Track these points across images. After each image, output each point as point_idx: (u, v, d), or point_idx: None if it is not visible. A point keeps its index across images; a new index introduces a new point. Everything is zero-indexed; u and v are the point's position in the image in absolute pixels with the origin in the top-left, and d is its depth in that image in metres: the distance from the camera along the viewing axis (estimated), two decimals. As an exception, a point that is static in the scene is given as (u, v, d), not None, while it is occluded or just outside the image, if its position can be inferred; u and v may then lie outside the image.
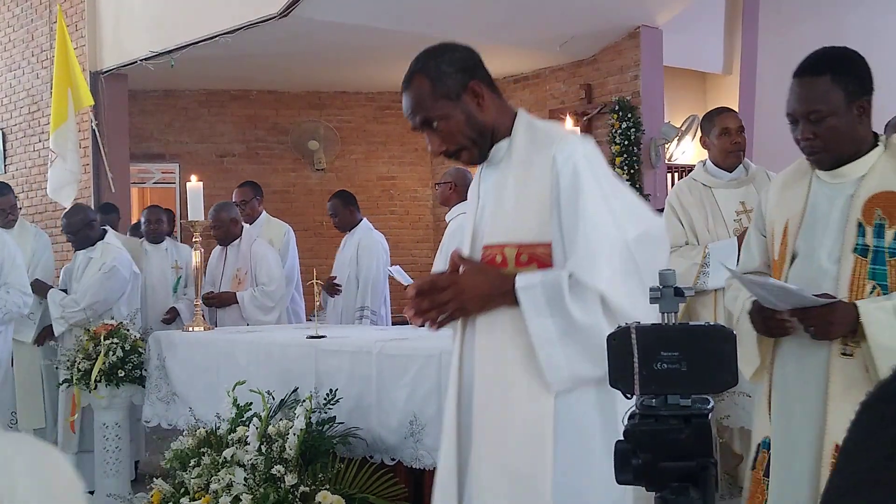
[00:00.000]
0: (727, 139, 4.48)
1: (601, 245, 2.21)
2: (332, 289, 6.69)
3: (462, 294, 2.30)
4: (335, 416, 3.83)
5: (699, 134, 4.90)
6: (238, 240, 6.24)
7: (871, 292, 2.48)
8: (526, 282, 2.24)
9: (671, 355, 0.98)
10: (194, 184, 5.38)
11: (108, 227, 6.32)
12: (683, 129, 9.91)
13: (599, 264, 2.19)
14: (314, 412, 3.77)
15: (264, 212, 6.98)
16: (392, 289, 6.89)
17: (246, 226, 6.40)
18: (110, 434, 5.36)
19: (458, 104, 2.33)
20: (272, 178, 10.33)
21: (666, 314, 1.14)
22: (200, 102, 10.60)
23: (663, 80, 9.00)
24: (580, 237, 2.22)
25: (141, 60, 8.52)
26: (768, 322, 2.62)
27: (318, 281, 5.03)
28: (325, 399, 3.87)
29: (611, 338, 1.07)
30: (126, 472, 5.43)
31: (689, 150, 10.18)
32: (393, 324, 6.60)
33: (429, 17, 8.03)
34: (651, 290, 1.17)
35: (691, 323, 1.04)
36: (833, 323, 2.45)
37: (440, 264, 6.18)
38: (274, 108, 10.81)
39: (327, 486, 3.54)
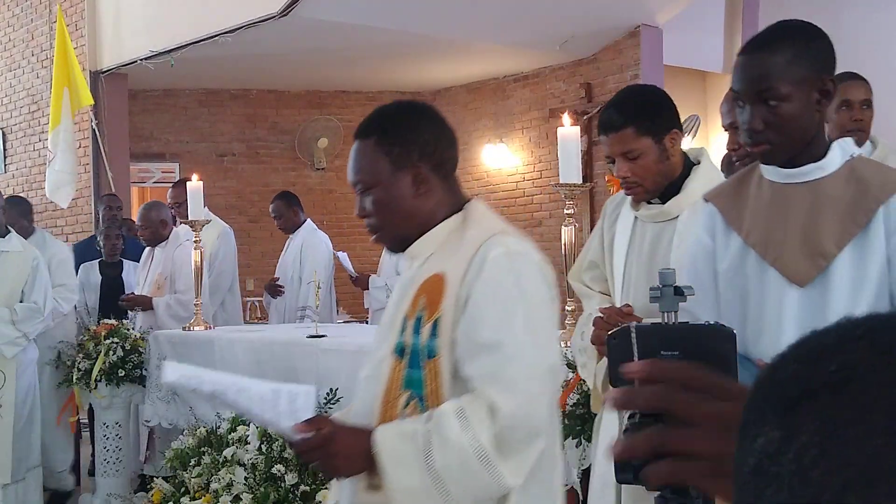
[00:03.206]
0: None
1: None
2: (275, 290, 6.68)
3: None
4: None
5: (700, 132, 4.78)
6: (165, 242, 6.02)
7: (405, 406, 1.96)
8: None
9: (671, 355, 0.98)
10: (194, 183, 5.38)
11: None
12: (684, 127, 9.91)
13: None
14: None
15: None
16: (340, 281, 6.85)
17: (175, 229, 6.13)
18: (111, 434, 5.36)
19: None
20: (272, 178, 10.33)
21: (666, 313, 1.14)
22: (200, 102, 10.59)
23: (663, 79, 8.99)
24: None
25: (141, 60, 8.51)
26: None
27: (316, 281, 5.03)
28: (325, 398, 3.87)
29: (611, 337, 1.07)
30: (127, 471, 5.43)
31: (689, 150, 10.17)
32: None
33: (429, 17, 8.03)
34: (651, 289, 1.17)
35: (692, 322, 1.04)
36: (336, 455, 1.87)
37: (390, 265, 6.23)
38: (274, 108, 10.80)
39: (327, 486, 3.54)
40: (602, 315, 2.70)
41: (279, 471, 3.56)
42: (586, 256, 3.04)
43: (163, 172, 10.61)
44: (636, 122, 2.67)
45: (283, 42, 8.31)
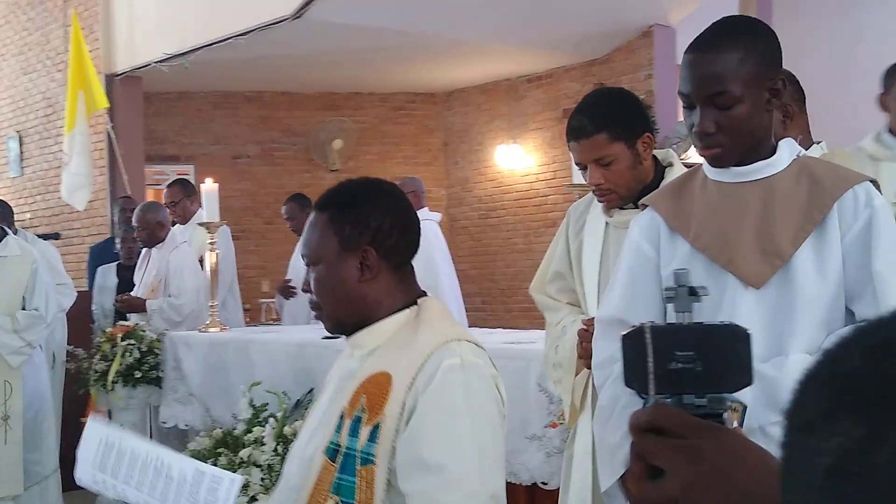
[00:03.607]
0: None
1: None
2: (287, 292, 6.68)
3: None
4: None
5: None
6: (161, 244, 5.94)
7: None
8: None
9: (686, 355, 0.98)
10: (209, 185, 5.40)
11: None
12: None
13: None
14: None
15: (200, 212, 6.65)
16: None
17: (172, 230, 6.11)
18: (127, 435, 5.39)
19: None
20: (287, 180, 10.35)
21: (680, 314, 1.15)
22: (214, 104, 10.63)
23: (676, 79, 8.98)
24: None
25: (155, 63, 8.55)
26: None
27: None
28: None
29: (625, 338, 1.07)
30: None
31: (703, 149, 10.15)
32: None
33: (441, 18, 8.04)
34: (665, 289, 1.17)
35: (706, 322, 1.04)
36: None
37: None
38: (287, 110, 10.83)
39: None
40: (586, 327, 2.60)
41: (295, 472, 3.58)
42: (549, 267, 2.93)
43: (178, 175, 10.64)
44: (608, 128, 2.60)
45: (296, 44, 8.33)
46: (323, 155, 10.84)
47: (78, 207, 8.31)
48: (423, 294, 2.03)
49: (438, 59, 9.45)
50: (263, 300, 8.71)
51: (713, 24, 2.08)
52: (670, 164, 2.74)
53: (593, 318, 2.60)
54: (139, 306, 5.78)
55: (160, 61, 8.49)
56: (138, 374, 5.26)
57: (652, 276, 2.10)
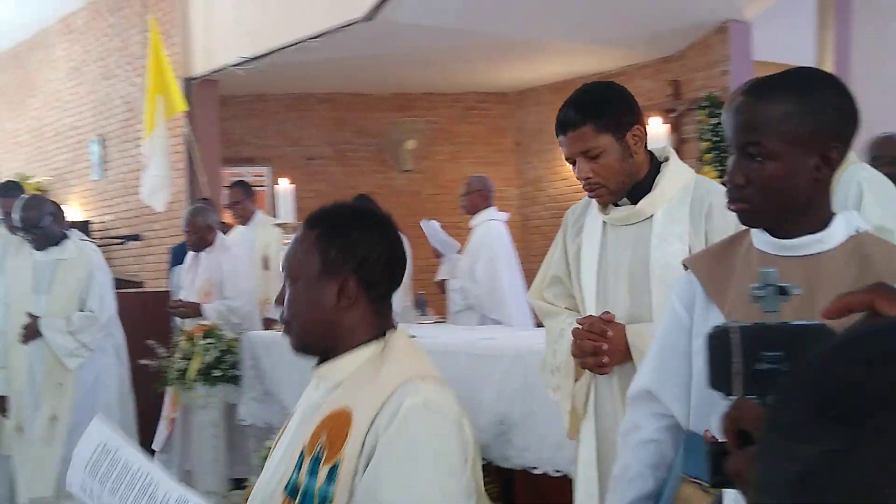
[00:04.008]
0: None
1: None
2: None
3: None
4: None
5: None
6: (211, 247, 5.97)
7: None
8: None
9: (773, 355, 0.97)
10: (284, 186, 5.48)
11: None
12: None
13: None
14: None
15: (258, 211, 6.83)
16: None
17: (220, 234, 6.12)
18: (207, 433, 5.48)
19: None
20: (359, 180, 10.43)
21: (768, 314, 1.13)
22: (288, 106, 10.76)
23: (752, 74, 8.83)
24: None
25: (231, 66, 8.69)
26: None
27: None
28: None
29: (711, 337, 1.06)
30: (223, 470, 5.55)
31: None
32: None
33: (513, 18, 8.03)
34: (754, 288, 1.16)
35: (793, 322, 1.03)
36: None
37: (465, 267, 6.22)
38: (360, 111, 10.91)
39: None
40: (580, 325, 2.57)
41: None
42: (547, 272, 2.86)
43: (254, 176, 10.79)
44: (594, 119, 2.55)
45: (368, 46, 8.39)
46: (395, 155, 10.90)
47: (157, 209, 8.48)
48: (394, 327, 1.96)
49: (510, 58, 9.43)
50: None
51: (782, 71, 1.85)
52: (667, 160, 2.66)
53: (589, 317, 2.59)
54: (194, 311, 5.79)
55: (236, 65, 8.62)
56: (217, 373, 5.35)
57: (683, 345, 1.95)
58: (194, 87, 9.18)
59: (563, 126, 2.60)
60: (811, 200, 1.78)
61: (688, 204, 2.56)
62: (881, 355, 0.56)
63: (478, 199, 6.59)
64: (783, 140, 1.74)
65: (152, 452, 5.63)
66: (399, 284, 1.99)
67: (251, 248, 6.59)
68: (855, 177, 3.05)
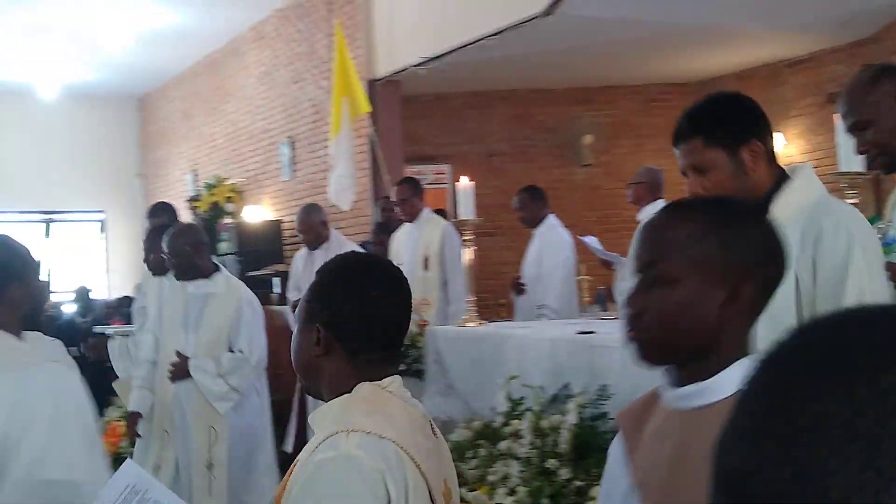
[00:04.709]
0: None
1: None
2: (518, 289, 6.63)
3: None
4: (607, 412, 3.83)
5: None
6: (327, 244, 5.95)
7: None
8: None
9: None
10: (465, 184, 5.54)
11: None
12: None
13: None
14: (586, 407, 3.79)
15: (426, 209, 6.75)
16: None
17: (334, 231, 6.09)
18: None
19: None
20: (539, 176, 10.42)
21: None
22: (468, 104, 10.88)
23: (958, 55, 8.30)
24: None
25: (413, 66, 8.87)
26: None
27: (587, 277, 5.04)
28: (596, 394, 3.88)
29: None
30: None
31: None
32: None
33: (695, 5, 7.84)
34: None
35: None
36: None
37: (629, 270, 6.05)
38: (540, 106, 10.91)
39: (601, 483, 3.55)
40: None
41: (553, 465, 3.61)
42: None
43: (434, 174, 10.99)
44: (705, 131, 2.38)
45: (548, 41, 8.39)
46: (575, 150, 10.85)
47: (343, 208, 8.75)
48: (379, 379, 1.96)
49: (692, 47, 9.22)
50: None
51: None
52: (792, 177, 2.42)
53: None
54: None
55: (417, 65, 8.79)
56: (402, 367, 5.48)
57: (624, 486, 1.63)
58: (378, 87, 9.43)
59: (674, 137, 2.46)
60: (714, 340, 1.50)
61: (800, 227, 2.29)
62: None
63: (642, 190, 6.40)
64: (685, 265, 1.51)
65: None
66: (386, 344, 2.00)
67: (414, 246, 6.60)
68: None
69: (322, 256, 6.01)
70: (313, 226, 6.10)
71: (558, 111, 10.90)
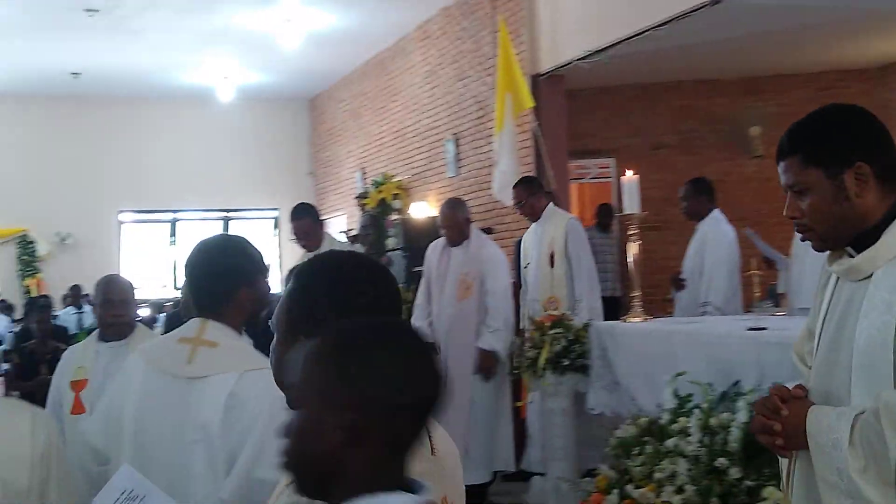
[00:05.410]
0: None
1: None
2: (678, 284, 6.47)
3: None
4: (779, 411, 3.73)
5: None
6: (467, 241, 5.90)
7: None
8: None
9: None
10: (629, 177, 5.49)
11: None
12: None
13: None
14: (757, 406, 3.70)
15: (549, 206, 6.72)
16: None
17: (475, 229, 6.03)
18: (557, 420, 5.63)
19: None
20: (706, 168, 10.18)
21: None
22: (633, 97, 10.75)
23: None
24: None
25: (576, 60, 8.83)
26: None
27: (757, 272, 4.92)
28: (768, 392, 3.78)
29: None
30: (573, 457, 5.67)
31: None
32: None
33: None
34: None
35: None
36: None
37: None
38: (707, 97, 10.68)
39: (774, 483, 3.47)
40: (771, 393, 2.20)
41: (722, 464, 3.55)
42: (806, 324, 2.39)
43: (599, 168, 10.92)
44: (804, 149, 2.19)
45: (715, 30, 8.20)
46: (744, 141, 10.56)
47: (507, 203, 8.81)
48: None
49: (870, 30, 8.82)
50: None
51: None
52: None
53: (774, 387, 2.23)
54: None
55: (582, 58, 8.75)
56: (566, 362, 5.48)
57: None
58: (541, 82, 9.43)
59: (777, 153, 2.31)
60: None
61: None
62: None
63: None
64: None
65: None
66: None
67: (539, 244, 6.59)
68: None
69: (460, 254, 6.10)
70: (458, 222, 6.15)
71: (727, 102, 10.63)
